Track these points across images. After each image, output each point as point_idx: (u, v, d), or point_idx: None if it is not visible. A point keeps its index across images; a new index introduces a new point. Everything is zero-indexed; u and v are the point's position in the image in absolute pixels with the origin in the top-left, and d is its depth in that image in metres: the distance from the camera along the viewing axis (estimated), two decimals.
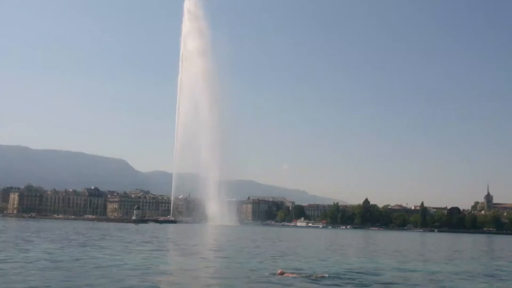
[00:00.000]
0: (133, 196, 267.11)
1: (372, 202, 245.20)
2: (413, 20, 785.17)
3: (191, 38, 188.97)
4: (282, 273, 21.96)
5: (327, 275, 22.24)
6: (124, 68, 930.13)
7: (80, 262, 24.96)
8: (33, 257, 26.24)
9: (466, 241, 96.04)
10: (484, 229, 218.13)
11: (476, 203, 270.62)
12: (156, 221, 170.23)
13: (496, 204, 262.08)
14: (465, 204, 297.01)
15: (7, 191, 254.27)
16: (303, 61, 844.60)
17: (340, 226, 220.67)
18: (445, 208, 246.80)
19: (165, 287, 19.53)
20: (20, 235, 51.74)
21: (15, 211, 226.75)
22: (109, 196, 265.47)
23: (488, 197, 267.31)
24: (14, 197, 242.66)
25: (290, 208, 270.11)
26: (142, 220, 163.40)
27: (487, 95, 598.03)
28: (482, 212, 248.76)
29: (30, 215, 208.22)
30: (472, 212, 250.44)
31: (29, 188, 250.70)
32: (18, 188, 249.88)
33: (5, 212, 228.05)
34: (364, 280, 21.93)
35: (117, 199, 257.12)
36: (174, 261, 29.25)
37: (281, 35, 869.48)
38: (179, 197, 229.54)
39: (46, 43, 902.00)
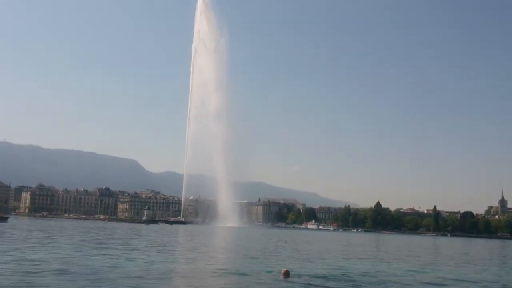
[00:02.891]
0: (143, 196, 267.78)
1: (384, 205, 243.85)
2: (422, 16, 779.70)
3: (204, 31, 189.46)
4: (286, 273, 21.38)
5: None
6: (136, 68, 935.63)
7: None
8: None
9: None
10: (498, 234, 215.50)
11: (490, 207, 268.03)
12: (167, 221, 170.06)
13: (511, 208, 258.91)
14: (478, 208, 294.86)
15: (19, 190, 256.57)
16: (316, 62, 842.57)
17: (351, 229, 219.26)
18: (458, 212, 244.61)
19: (169, 284, 19.24)
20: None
21: (26, 210, 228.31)
22: (120, 196, 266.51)
23: (502, 202, 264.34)
24: (26, 196, 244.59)
25: (301, 210, 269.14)
26: (152, 221, 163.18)
27: (501, 97, 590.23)
28: (496, 216, 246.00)
29: (41, 214, 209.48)
30: (486, 216, 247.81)
31: (40, 187, 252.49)
32: (30, 188, 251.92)
33: (17, 211, 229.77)
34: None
35: (127, 199, 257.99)
36: (181, 261, 28.68)
37: (295, 35, 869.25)
38: (190, 198, 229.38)
39: (56, 43, 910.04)
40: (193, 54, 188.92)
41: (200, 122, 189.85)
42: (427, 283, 22.85)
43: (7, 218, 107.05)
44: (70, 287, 16.70)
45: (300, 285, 19.57)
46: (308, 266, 27.73)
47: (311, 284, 19.88)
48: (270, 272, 23.09)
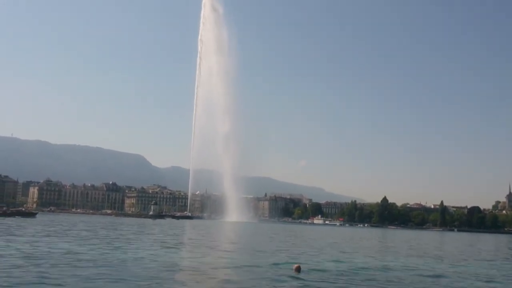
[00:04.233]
0: (150, 191, 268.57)
1: (390, 200, 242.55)
2: (424, 17, 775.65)
3: (209, 31, 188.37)
4: (298, 268, 21.31)
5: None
6: (142, 63, 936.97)
7: None
8: None
9: None
10: (505, 229, 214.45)
11: (497, 202, 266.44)
12: (173, 216, 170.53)
13: None
14: (486, 203, 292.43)
15: (27, 185, 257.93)
16: (321, 58, 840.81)
17: (357, 225, 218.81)
18: (465, 207, 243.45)
19: (183, 279, 19.29)
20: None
21: (34, 205, 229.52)
22: (126, 191, 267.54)
23: (510, 197, 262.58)
24: (33, 191, 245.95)
25: (307, 205, 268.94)
26: (159, 216, 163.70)
27: (507, 93, 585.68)
28: (504, 211, 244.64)
29: (49, 209, 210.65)
30: (493, 211, 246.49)
31: (48, 182, 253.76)
32: (38, 183, 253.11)
33: (24, 206, 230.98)
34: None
35: (134, 194, 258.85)
36: (193, 255, 28.75)
37: (299, 32, 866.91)
38: (196, 193, 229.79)
39: (64, 39, 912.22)
40: (199, 51, 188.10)
41: (206, 117, 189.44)
42: (432, 277, 22.85)
43: (35, 213, 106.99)
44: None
45: (312, 280, 19.52)
46: (319, 261, 27.69)
47: (323, 280, 19.91)
48: (282, 267, 23.07)
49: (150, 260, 23.93)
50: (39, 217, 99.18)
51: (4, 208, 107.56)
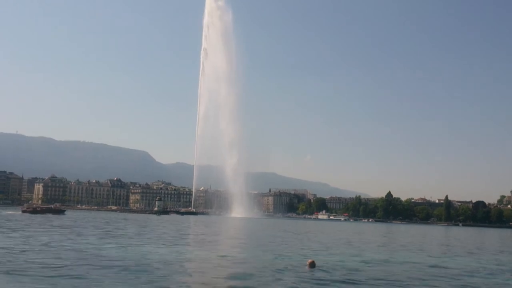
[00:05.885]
0: (155, 187, 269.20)
1: (395, 195, 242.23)
2: (434, 10, 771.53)
3: (213, 27, 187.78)
4: (312, 264, 21.15)
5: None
6: (146, 60, 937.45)
7: None
8: None
9: None
10: (510, 223, 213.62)
11: (502, 197, 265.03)
12: (178, 212, 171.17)
13: None
14: (490, 198, 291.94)
15: (32, 182, 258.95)
16: (326, 54, 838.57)
17: (362, 219, 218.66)
18: (470, 202, 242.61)
19: (190, 275, 19.40)
20: None
21: (39, 202, 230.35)
22: (131, 187, 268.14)
23: None
24: (39, 188, 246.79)
25: (312, 200, 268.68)
26: (164, 211, 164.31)
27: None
28: (508, 206, 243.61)
29: (54, 205, 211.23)
30: (498, 206, 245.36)
31: (53, 179, 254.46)
32: (43, 179, 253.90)
33: (30, 202, 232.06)
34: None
35: (139, 191, 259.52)
36: (202, 251, 28.69)
37: (304, 29, 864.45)
38: (200, 189, 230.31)
39: (67, 37, 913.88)
40: (203, 49, 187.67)
41: (211, 114, 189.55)
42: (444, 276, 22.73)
43: (64, 210, 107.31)
44: None
45: (326, 276, 19.39)
46: (330, 256, 27.54)
47: (336, 275, 19.81)
48: (294, 263, 22.98)
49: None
50: (70, 214, 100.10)
51: (35, 206, 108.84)
